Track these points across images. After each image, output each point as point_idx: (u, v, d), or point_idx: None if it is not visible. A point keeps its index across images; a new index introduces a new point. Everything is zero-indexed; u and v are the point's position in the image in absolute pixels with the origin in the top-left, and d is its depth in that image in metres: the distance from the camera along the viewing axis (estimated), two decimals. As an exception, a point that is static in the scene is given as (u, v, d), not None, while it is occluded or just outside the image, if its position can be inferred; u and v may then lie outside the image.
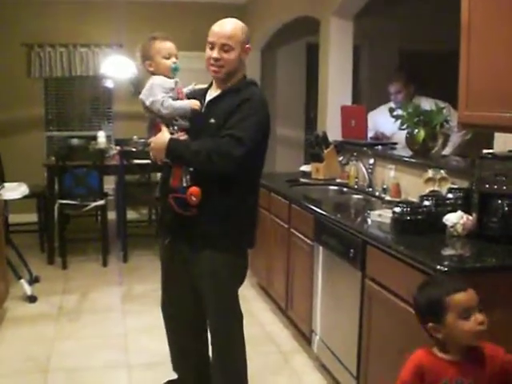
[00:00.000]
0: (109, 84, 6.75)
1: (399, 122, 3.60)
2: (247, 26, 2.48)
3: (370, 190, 3.78)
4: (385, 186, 3.60)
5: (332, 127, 4.68)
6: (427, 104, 3.78)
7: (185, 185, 2.37)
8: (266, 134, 2.44)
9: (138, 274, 4.90)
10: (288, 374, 3.22)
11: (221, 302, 2.52)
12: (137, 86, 5.44)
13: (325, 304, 3.15)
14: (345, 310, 2.86)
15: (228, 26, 2.39)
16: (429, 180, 3.04)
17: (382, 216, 2.81)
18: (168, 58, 2.42)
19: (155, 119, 2.43)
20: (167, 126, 2.40)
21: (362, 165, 3.96)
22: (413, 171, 3.41)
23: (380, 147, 4.05)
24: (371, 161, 3.84)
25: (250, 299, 4.30)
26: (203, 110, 2.45)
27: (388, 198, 3.39)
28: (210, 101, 2.46)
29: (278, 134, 6.88)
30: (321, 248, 3.17)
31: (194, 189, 2.34)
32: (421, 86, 4.46)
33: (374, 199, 3.63)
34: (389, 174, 3.61)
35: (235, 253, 2.50)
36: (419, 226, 2.54)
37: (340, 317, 2.93)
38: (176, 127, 2.41)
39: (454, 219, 2.48)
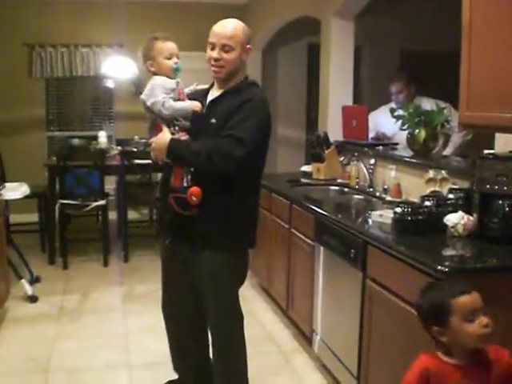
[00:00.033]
0: (110, 84, 6.75)
1: (400, 122, 3.60)
2: (248, 26, 2.48)
3: (371, 190, 3.78)
4: (386, 187, 3.60)
5: (333, 127, 4.69)
6: (428, 104, 3.78)
7: (185, 185, 2.37)
8: (266, 134, 2.44)
9: (139, 274, 4.90)
10: (289, 374, 3.23)
11: (221, 302, 2.52)
12: (138, 86, 5.44)
13: (325, 304, 3.15)
14: (345, 311, 2.86)
15: (229, 27, 2.39)
16: (430, 180, 3.04)
17: (382, 216, 2.81)
18: (170, 59, 2.42)
19: (156, 119, 2.43)
20: (168, 127, 2.40)
21: (362, 165, 3.95)
22: (414, 171, 3.41)
23: (381, 147, 4.05)
24: (372, 161, 3.84)
25: (251, 299, 4.30)
26: (204, 110, 2.46)
27: (389, 198, 3.39)
28: (211, 101, 2.46)
29: (279, 134, 6.88)
30: (322, 248, 3.17)
31: (195, 189, 2.34)
32: (422, 86, 4.46)
33: (374, 199, 3.63)
34: (390, 175, 3.61)
35: (235, 253, 2.50)
36: (420, 226, 2.54)
37: (341, 317, 2.93)
38: (177, 127, 2.41)
39: (455, 219, 2.48)
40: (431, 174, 3.05)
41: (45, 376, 3.15)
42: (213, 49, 2.40)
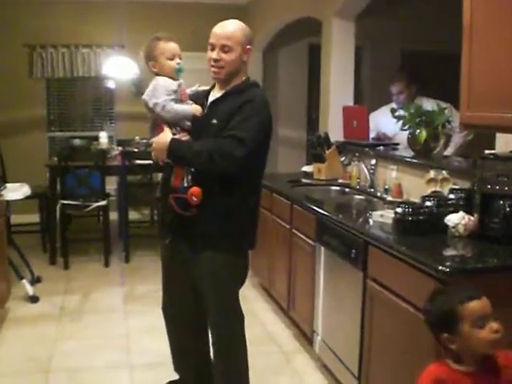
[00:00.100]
0: (110, 84, 6.76)
1: (401, 122, 3.60)
2: (248, 26, 2.48)
3: (372, 190, 3.78)
4: (387, 187, 3.60)
5: (334, 128, 4.69)
6: (429, 104, 3.78)
7: (186, 185, 2.38)
8: (267, 134, 2.45)
9: (140, 275, 4.90)
10: (290, 374, 3.23)
11: (221, 302, 2.52)
12: (138, 86, 5.45)
13: (326, 304, 3.15)
14: (346, 311, 2.86)
15: (228, 27, 2.40)
16: (430, 180, 3.04)
17: (383, 216, 2.81)
18: (172, 59, 2.42)
19: (158, 119, 2.43)
20: (169, 127, 2.41)
21: (363, 165, 3.96)
22: (414, 172, 3.41)
23: (382, 148, 4.05)
24: (373, 161, 3.84)
25: (252, 299, 4.30)
26: (205, 110, 2.46)
27: (390, 198, 3.39)
28: (213, 102, 2.47)
29: (280, 134, 6.88)
30: (322, 248, 3.18)
31: (195, 189, 2.35)
32: (423, 86, 4.46)
33: (375, 200, 3.63)
34: (391, 175, 3.61)
35: (235, 253, 2.50)
36: (421, 226, 2.54)
37: (342, 317, 2.93)
38: (178, 128, 2.42)
39: (456, 220, 2.48)
40: (432, 174, 3.05)
41: (45, 376, 3.15)
42: (213, 49, 2.40)
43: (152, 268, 4.85)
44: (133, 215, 6.12)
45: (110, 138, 6.18)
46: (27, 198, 4.29)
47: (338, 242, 2.94)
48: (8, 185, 4.16)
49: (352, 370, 2.78)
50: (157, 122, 2.44)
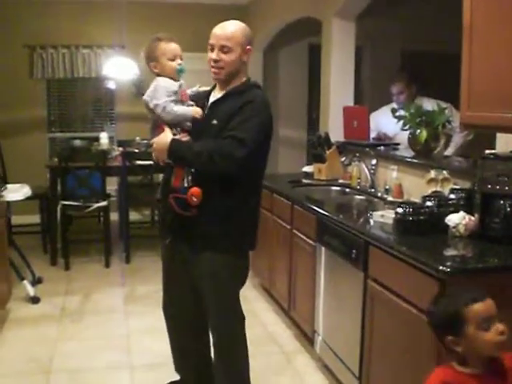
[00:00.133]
0: (111, 85, 6.76)
1: (401, 122, 3.60)
2: (249, 27, 2.48)
3: (373, 190, 3.78)
4: (387, 187, 3.60)
5: (334, 128, 4.68)
6: (429, 104, 3.78)
7: (186, 185, 2.38)
8: (268, 135, 2.45)
9: (141, 275, 4.90)
10: (290, 375, 3.23)
11: (221, 302, 2.52)
12: (139, 86, 5.44)
13: (327, 304, 3.15)
14: (347, 311, 2.86)
15: (228, 28, 2.40)
16: (431, 180, 3.04)
17: (384, 217, 2.81)
18: (173, 60, 2.42)
19: (158, 120, 2.43)
20: (170, 127, 2.41)
21: (364, 165, 3.96)
22: (415, 172, 3.41)
23: (382, 148, 4.05)
24: (373, 161, 3.84)
25: (252, 300, 4.30)
26: (206, 111, 2.46)
27: (390, 198, 3.40)
28: (213, 102, 2.47)
29: (281, 134, 6.89)
30: (323, 249, 3.18)
31: (195, 189, 2.35)
32: (423, 86, 4.47)
33: (376, 200, 3.63)
34: (391, 175, 3.61)
35: (235, 254, 2.50)
36: (421, 226, 2.54)
37: (342, 317, 2.93)
38: (179, 128, 2.42)
39: (457, 220, 2.48)
40: (433, 174, 3.05)
41: (46, 377, 3.15)
42: (212, 50, 2.40)
43: (153, 268, 4.85)
44: (133, 216, 6.12)
45: (111, 138, 6.18)
46: (28, 198, 4.30)
47: (339, 242, 2.94)
48: (8, 186, 4.17)
49: (353, 370, 2.79)
50: (157, 122, 2.44)
